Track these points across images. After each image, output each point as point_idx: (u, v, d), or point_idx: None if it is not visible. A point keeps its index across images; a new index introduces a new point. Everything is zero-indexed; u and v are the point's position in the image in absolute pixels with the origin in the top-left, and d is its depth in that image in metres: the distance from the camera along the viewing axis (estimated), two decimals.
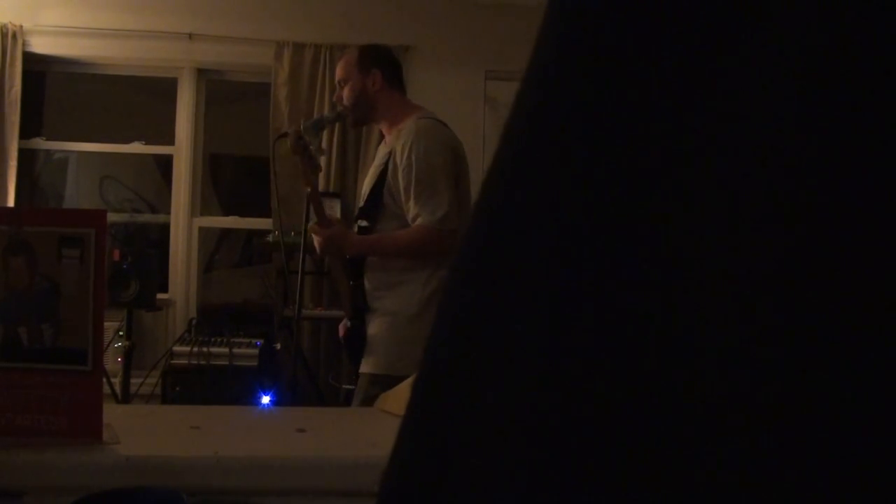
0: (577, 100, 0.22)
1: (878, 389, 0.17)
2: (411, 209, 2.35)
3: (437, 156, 2.35)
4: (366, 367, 2.42)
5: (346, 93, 2.55)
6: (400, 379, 2.16)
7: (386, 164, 2.43)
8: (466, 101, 4.69)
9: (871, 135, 0.18)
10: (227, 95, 5.01)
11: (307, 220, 2.87)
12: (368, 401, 2.32)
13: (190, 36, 4.62)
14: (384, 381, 2.29)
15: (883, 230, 0.18)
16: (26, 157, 4.68)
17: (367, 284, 2.46)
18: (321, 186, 4.40)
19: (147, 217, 5.05)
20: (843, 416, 0.17)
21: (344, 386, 3.39)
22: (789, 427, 0.18)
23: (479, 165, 4.30)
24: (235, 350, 3.90)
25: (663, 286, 0.20)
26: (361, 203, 2.60)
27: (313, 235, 2.50)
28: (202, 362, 3.85)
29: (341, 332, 2.62)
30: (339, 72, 2.60)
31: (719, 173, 0.20)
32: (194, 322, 4.29)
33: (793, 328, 0.18)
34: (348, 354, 2.65)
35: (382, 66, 2.53)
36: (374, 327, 2.43)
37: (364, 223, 2.50)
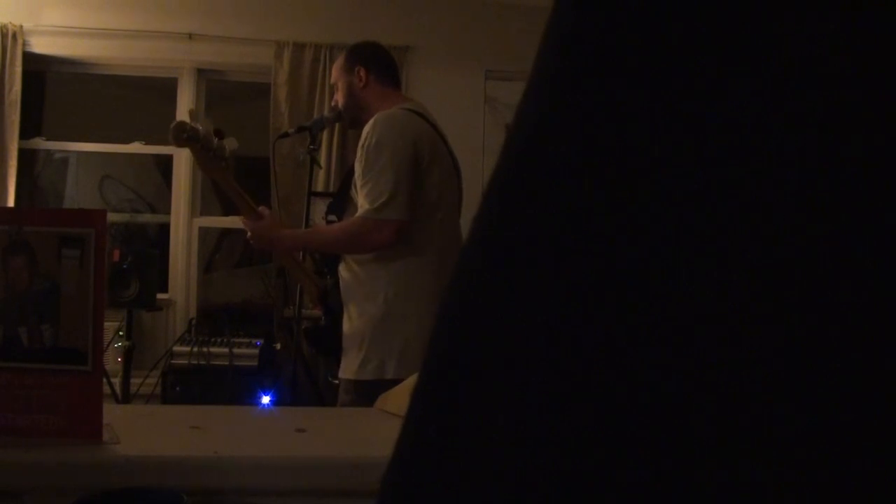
0: (582, 110, 0.22)
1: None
2: (359, 199, 2.29)
3: (388, 144, 2.27)
4: (341, 370, 2.38)
5: (338, 95, 2.55)
6: (370, 384, 2.14)
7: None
8: (466, 101, 4.69)
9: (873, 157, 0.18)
10: (227, 95, 5.01)
11: (307, 220, 2.86)
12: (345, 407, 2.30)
13: (190, 36, 4.62)
14: (356, 388, 2.27)
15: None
16: (26, 157, 4.68)
17: (340, 279, 2.40)
18: (321, 186, 4.41)
19: (147, 217, 5.05)
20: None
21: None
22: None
23: (478, 165, 4.31)
24: (235, 350, 3.90)
25: (664, 288, 0.20)
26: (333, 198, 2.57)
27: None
28: (202, 362, 3.85)
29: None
30: (332, 76, 2.60)
31: (725, 183, 0.20)
32: (194, 322, 4.29)
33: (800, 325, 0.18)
34: (320, 352, 2.60)
35: (366, 62, 2.50)
36: (346, 327, 2.38)
37: (332, 218, 2.46)
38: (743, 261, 0.19)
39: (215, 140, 2.24)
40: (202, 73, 4.82)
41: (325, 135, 4.42)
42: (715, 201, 0.19)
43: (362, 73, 2.48)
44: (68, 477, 1.16)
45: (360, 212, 2.25)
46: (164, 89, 4.84)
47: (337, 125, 4.34)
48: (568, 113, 0.22)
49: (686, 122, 0.20)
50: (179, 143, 2.20)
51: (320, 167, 4.12)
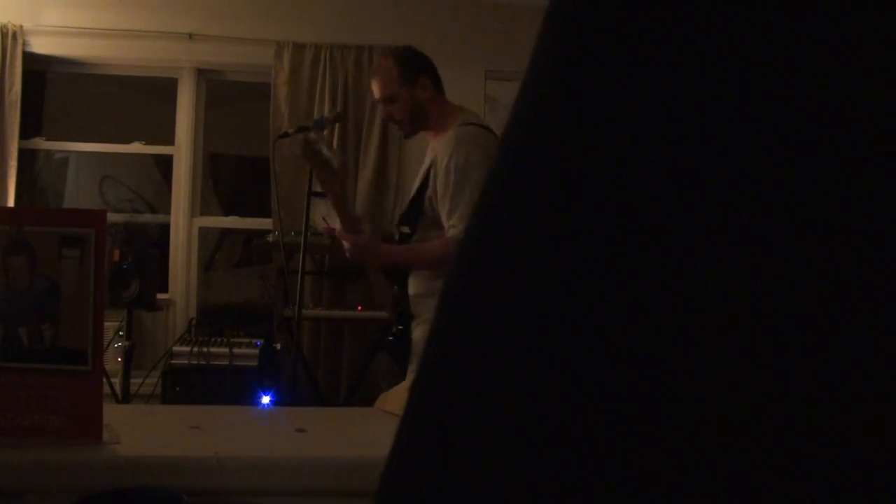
0: (577, 108, 0.22)
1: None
2: (445, 219, 2.33)
3: (475, 166, 2.29)
4: (409, 375, 2.42)
5: (397, 110, 2.49)
6: None
7: (428, 171, 2.41)
8: (466, 101, 4.67)
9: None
10: (227, 95, 5.00)
11: (307, 220, 2.86)
12: None
13: (190, 36, 4.62)
14: None
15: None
16: (26, 157, 4.68)
17: (410, 290, 2.45)
18: (321, 186, 4.40)
19: (147, 217, 5.05)
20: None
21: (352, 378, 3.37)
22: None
23: None
24: (235, 350, 3.89)
25: (656, 286, 0.20)
26: (404, 209, 2.59)
27: (342, 241, 2.46)
28: (202, 362, 3.85)
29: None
30: (379, 90, 2.51)
31: (712, 196, 0.20)
32: (194, 322, 4.29)
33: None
34: (393, 360, 2.62)
35: (428, 71, 2.49)
36: (417, 334, 2.43)
37: (406, 229, 2.49)
38: (733, 263, 0.19)
39: (335, 157, 2.29)
40: (202, 73, 4.81)
41: (324, 135, 4.41)
42: (710, 204, 0.19)
43: (427, 84, 2.46)
44: (68, 477, 1.16)
45: (451, 233, 2.29)
46: (164, 89, 4.83)
47: (337, 125, 4.33)
48: (562, 110, 0.22)
49: (681, 120, 0.20)
50: (308, 161, 2.24)
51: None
